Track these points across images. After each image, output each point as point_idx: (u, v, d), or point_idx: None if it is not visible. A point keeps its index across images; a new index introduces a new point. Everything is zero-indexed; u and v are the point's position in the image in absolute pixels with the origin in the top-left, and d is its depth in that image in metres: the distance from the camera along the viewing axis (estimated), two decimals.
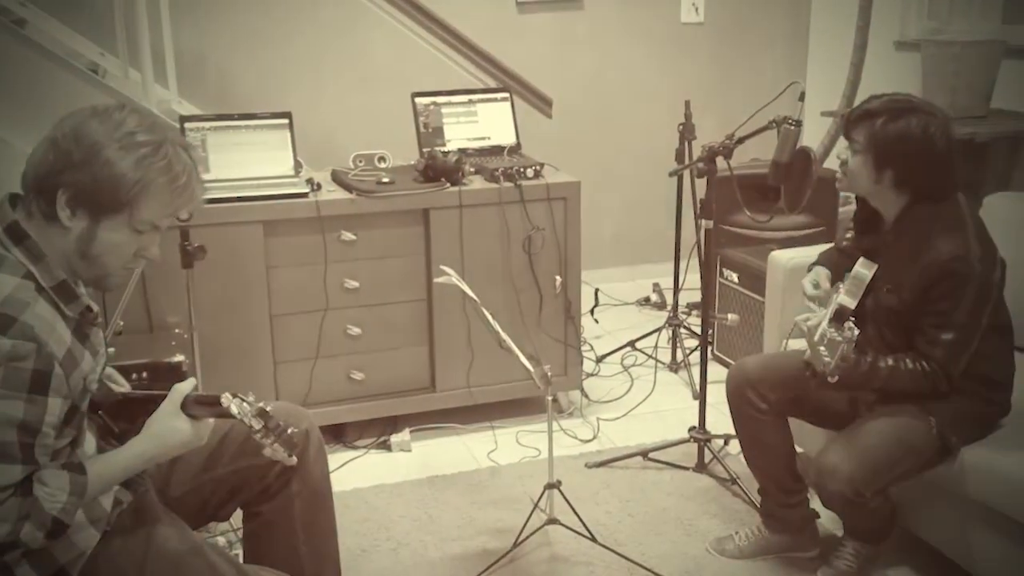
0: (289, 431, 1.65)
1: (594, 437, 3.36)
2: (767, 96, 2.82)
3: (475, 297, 2.50)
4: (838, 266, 2.50)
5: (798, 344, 2.67)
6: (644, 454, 3.13)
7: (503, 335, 2.50)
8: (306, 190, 3.14)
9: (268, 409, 1.63)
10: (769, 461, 2.58)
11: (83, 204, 1.56)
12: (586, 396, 3.63)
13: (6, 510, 1.48)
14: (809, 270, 2.54)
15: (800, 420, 2.59)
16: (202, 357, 3.01)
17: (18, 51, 3.35)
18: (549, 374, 2.49)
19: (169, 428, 1.64)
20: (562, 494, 2.63)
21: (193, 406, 1.66)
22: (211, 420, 1.69)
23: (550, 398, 2.54)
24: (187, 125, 3.20)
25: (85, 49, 3.83)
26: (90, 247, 1.58)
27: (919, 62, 4.04)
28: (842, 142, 2.33)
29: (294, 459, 1.69)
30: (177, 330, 2.97)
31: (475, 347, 3.31)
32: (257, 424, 1.61)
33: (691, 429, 3.06)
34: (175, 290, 2.86)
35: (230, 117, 3.29)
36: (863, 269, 2.32)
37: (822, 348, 2.08)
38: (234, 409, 1.61)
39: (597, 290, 4.58)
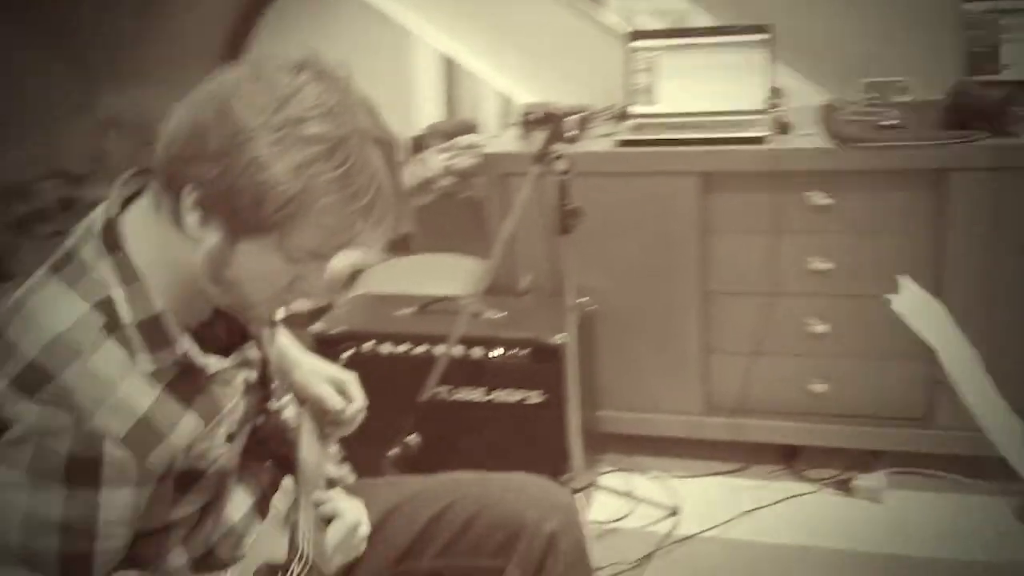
0: None
1: None
2: None
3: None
4: None
5: None
6: None
7: None
8: (764, 132, 2.32)
9: None
10: None
11: (217, 211, 1.02)
12: None
13: None
14: None
15: None
16: (608, 335, 2.48)
17: None
18: None
19: None
20: None
21: None
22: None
23: None
24: (635, 44, 2.57)
25: None
26: (224, 270, 1.05)
27: None
28: None
29: None
30: (582, 299, 2.44)
31: None
32: None
33: None
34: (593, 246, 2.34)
35: (692, 32, 2.58)
36: None
37: None
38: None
39: None
